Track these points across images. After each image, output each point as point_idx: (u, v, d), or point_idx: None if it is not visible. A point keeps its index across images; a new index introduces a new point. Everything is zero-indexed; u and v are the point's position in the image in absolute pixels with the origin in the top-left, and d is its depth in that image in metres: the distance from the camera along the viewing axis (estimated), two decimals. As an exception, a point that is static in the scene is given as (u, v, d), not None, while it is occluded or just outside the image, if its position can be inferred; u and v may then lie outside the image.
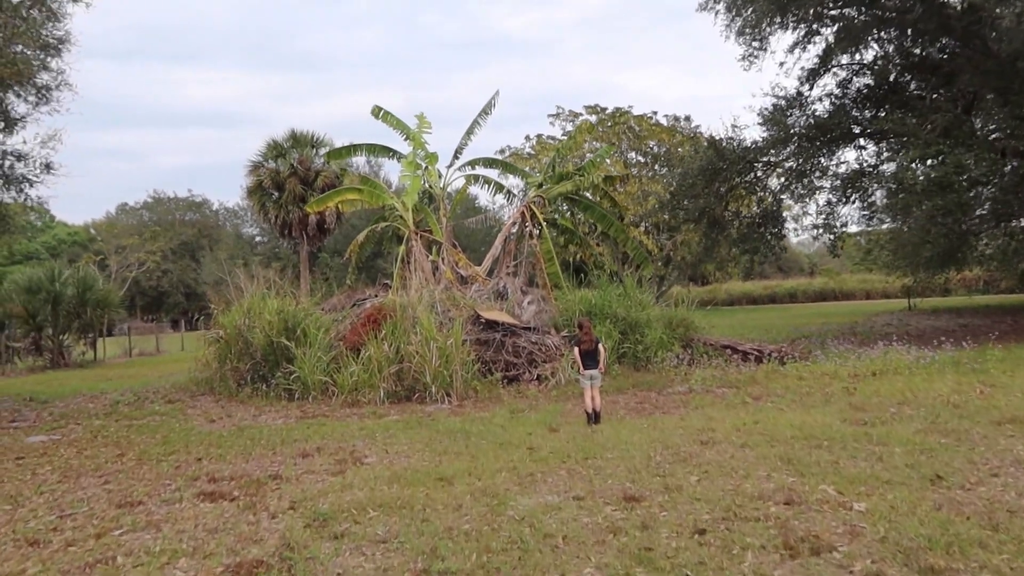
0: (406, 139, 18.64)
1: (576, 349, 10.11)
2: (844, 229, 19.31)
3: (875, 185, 16.70)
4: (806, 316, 33.21)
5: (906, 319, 27.44)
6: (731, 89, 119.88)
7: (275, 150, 40.30)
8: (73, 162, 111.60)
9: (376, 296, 17.00)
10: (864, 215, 22.76)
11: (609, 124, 44.11)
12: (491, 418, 10.66)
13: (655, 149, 46.85)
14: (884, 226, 25.04)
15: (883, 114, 15.70)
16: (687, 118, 47.05)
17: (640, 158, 46.68)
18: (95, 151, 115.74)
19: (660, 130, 45.96)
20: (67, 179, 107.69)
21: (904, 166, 14.14)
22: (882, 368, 11.74)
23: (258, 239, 76.79)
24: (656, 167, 46.80)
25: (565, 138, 36.19)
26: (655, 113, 46.39)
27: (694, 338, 14.86)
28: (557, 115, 46.41)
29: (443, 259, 17.95)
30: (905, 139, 15.11)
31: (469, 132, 19.33)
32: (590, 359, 10.00)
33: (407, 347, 13.12)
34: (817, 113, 18.78)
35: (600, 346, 10.09)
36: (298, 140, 39.87)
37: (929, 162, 14.13)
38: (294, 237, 41.72)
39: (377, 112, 18.67)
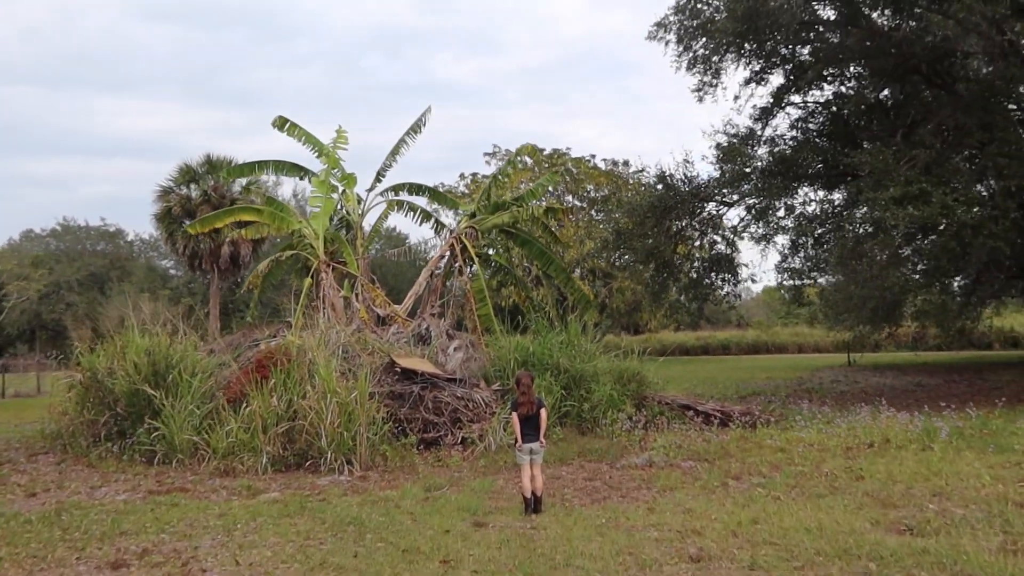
0: (318, 156, 16.17)
1: (514, 414, 7.75)
2: (815, 274, 17.68)
3: (848, 227, 15.16)
4: (746, 369, 31.69)
5: (852, 376, 26.13)
6: (668, 143, 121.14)
7: (188, 175, 36.92)
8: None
9: (275, 336, 14.32)
10: (807, 265, 21.36)
11: (547, 165, 42.52)
12: (399, 499, 8.17)
13: (592, 193, 45.61)
14: (823, 279, 23.74)
15: (855, 150, 14.22)
16: (626, 163, 46.03)
17: (577, 202, 45.32)
18: (18, 178, 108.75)
19: (598, 174, 44.79)
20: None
21: (884, 206, 12.53)
22: (877, 439, 9.75)
23: (172, 272, 72.23)
24: (593, 212, 45.54)
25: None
26: (593, 156, 45.29)
27: (648, 396, 12.67)
28: (493, 154, 44.64)
29: (358, 296, 15.44)
30: (878, 179, 13.60)
31: (395, 152, 17.00)
32: (529, 427, 7.67)
33: (301, 401, 10.53)
34: (779, 149, 17.28)
35: (542, 411, 7.75)
36: (213, 165, 36.44)
37: (909, 205, 12.57)
38: (204, 270, 38.37)
39: (282, 124, 16.12)
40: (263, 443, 10.28)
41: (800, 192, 18.10)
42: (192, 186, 37.09)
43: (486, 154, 45.07)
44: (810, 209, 17.60)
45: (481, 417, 11.59)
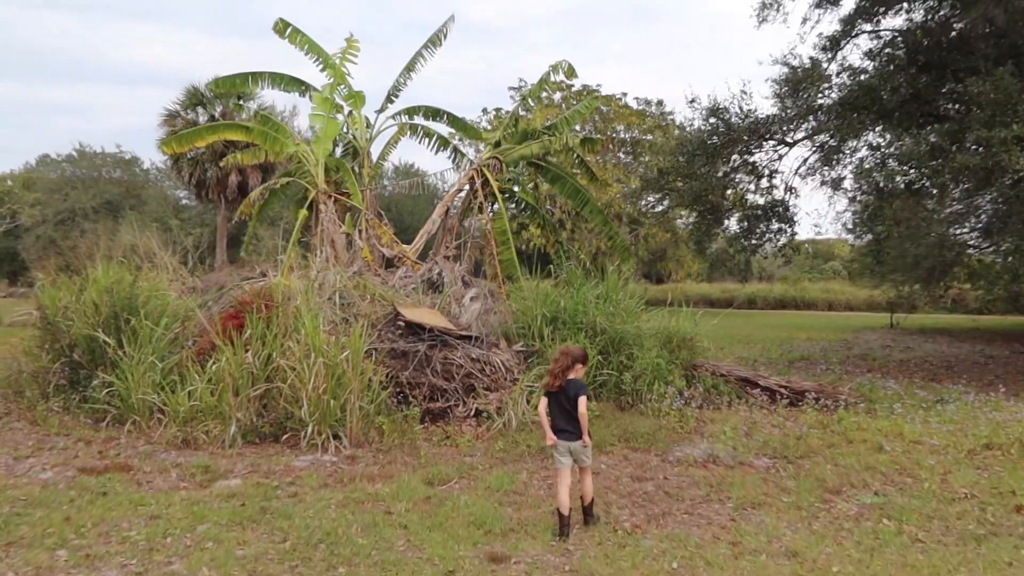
0: (323, 68, 13.89)
1: (543, 400, 5.69)
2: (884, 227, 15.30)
3: (947, 173, 12.81)
4: (781, 327, 29.51)
5: (900, 340, 24.00)
6: (702, 91, 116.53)
7: (194, 99, 34.71)
8: (17, 115, 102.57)
9: (263, 277, 12.32)
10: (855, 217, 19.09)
11: (574, 102, 39.77)
12: (393, 497, 6.25)
13: (622, 134, 43.01)
14: (858, 236, 21.61)
15: (969, 78, 11.80)
16: (659, 102, 43.19)
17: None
18: (43, 105, 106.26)
19: (629, 113, 42.05)
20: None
21: (1004, 145, 10.23)
22: (1003, 440, 7.69)
23: (185, 202, 70.59)
24: (621, 154, 43.11)
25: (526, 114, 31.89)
26: (624, 95, 42.45)
27: (700, 365, 10.61)
28: (519, 88, 41.84)
29: (361, 232, 13.38)
30: (992, 114, 11.24)
31: (410, 67, 14.66)
32: (563, 417, 5.59)
33: (280, 360, 8.58)
34: (862, 79, 14.76)
35: (581, 400, 5.53)
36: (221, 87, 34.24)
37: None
38: (211, 200, 36.52)
39: (283, 29, 13.80)
40: (232, 409, 8.40)
41: (878, 132, 15.63)
42: (199, 110, 34.99)
43: (511, 88, 42.39)
44: (898, 150, 15.15)
45: (500, 385, 9.60)
